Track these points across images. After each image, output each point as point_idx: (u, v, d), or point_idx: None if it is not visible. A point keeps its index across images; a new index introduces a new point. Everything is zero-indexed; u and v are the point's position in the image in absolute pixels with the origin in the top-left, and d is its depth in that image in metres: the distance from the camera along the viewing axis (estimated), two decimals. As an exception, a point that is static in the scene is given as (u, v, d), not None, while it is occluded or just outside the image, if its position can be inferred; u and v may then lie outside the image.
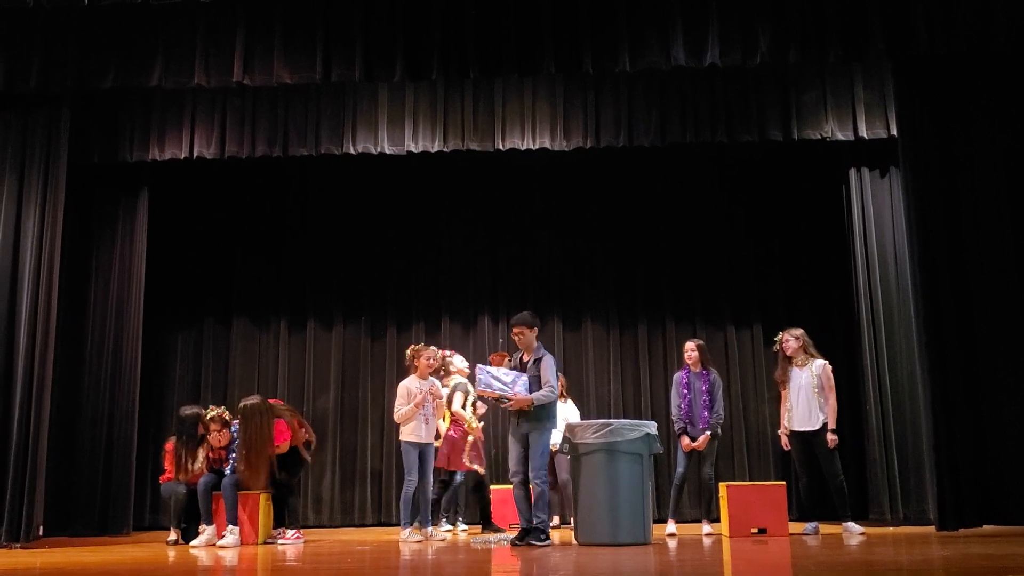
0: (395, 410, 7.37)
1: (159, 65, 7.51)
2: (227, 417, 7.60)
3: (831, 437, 7.23)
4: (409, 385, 7.36)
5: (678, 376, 7.89)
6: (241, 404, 7.47)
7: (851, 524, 7.15)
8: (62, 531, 8.16)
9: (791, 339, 7.46)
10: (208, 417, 7.56)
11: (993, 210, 7.32)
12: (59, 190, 7.83)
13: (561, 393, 8.70)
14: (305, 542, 7.16)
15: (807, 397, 7.31)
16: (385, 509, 9.72)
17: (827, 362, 7.49)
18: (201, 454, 7.60)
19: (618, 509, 6.31)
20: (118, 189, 9.02)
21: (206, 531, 7.21)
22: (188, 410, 7.78)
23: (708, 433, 7.54)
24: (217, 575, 4.72)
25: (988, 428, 7.03)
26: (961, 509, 6.91)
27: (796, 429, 7.34)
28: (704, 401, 7.61)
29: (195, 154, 8.60)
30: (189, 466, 7.55)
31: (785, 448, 7.62)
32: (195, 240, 9.96)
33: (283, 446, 7.35)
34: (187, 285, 9.89)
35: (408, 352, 7.80)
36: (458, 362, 8.44)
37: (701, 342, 8.00)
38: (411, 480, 7.17)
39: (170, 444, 7.80)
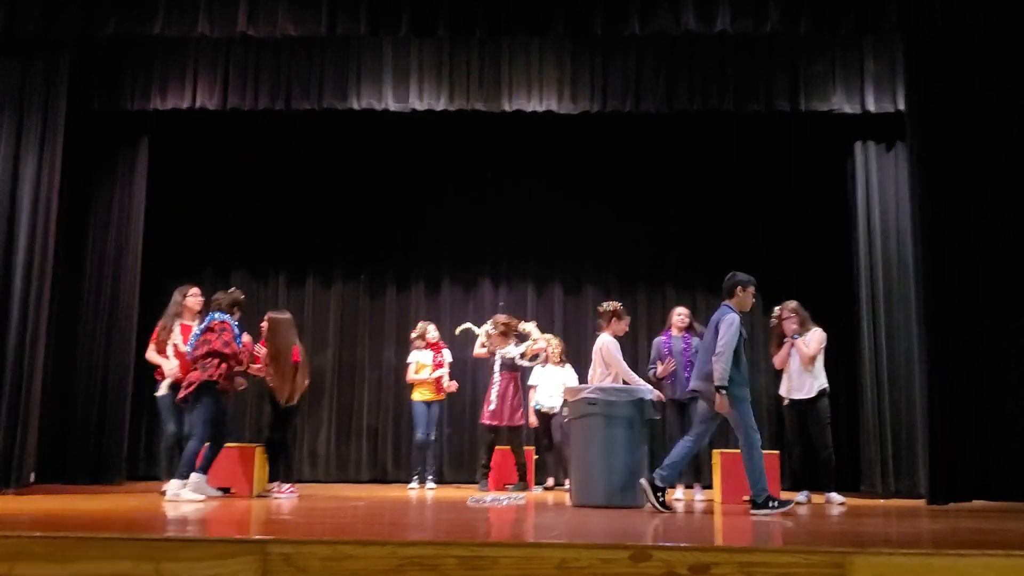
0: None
1: (162, 13, 7.43)
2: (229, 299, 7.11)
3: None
4: None
5: (659, 340, 7.95)
6: (271, 315, 7.50)
7: (833, 495, 7.21)
8: (55, 479, 8.19)
9: (790, 320, 7.43)
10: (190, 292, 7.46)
11: (1002, 189, 7.26)
12: (57, 136, 7.77)
13: (559, 357, 8.79)
14: (299, 496, 7.17)
15: (801, 367, 7.32)
16: (380, 466, 9.78)
17: (822, 331, 7.48)
18: (177, 330, 7.38)
19: (613, 472, 6.36)
20: (118, 138, 8.96)
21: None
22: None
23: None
24: (209, 526, 4.73)
25: (983, 405, 7.04)
26: (952, 483, 6.95)
27: (791, 398, 7.37)
28: (686, 365, 7.64)
29: (197, 104, 8.54)
30: (165, 338, 7.37)
31: None
32: (195, 192, 9.92)
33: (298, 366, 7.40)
34: (186, 236, 9.85)
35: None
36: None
37: (689, 311, 8.11)
38: None
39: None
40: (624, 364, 7.03)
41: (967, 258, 7.19)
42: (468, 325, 8.73)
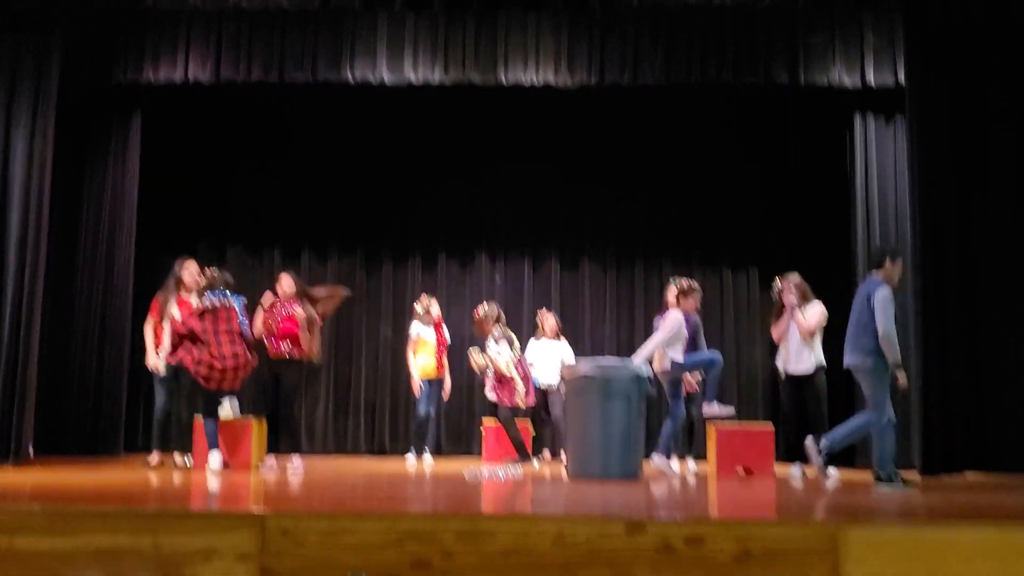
0: None
1: (154, -16, 7.36)
2: (216, 279, 7.15)
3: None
4: None
5: (658, 319, 7.93)
6: (296, 278, 7.51)
7: (828, 468, 7.22)
8: (53, 452, 8.21)
9: (791, 293, 7.40)
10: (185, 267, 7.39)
11: (1002, 165, 7.24)
12: (49, 110, 7.73)
13: (555, 332, 8.80)
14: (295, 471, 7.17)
15: (800, 341, 7.32)
16: (378, 439, 9.83)
17: (821, 304, 7.47)
18: (174, 302, 7.32)
19: (609, 446, 6.39)
20: (111, 112, 8.92)
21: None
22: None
23: (695, 373, 7.62)
24: (207, 500, 4.75)
25: (976, 378, 7.07)
26: (945, 456, 6.99)
27: (789, 372, 7.37)
28: (688, 340, 7.65)
29: (190, 78, 8.47)
30: (167, 310, 7.31)
31: None
32: (190, 166, 9.88)
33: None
34: (181, 211, 9.83)
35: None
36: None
37: None
38: None
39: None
40: (659, 339, 7.12)
41: (965, 234, 7.20)
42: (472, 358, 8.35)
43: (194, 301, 7.17)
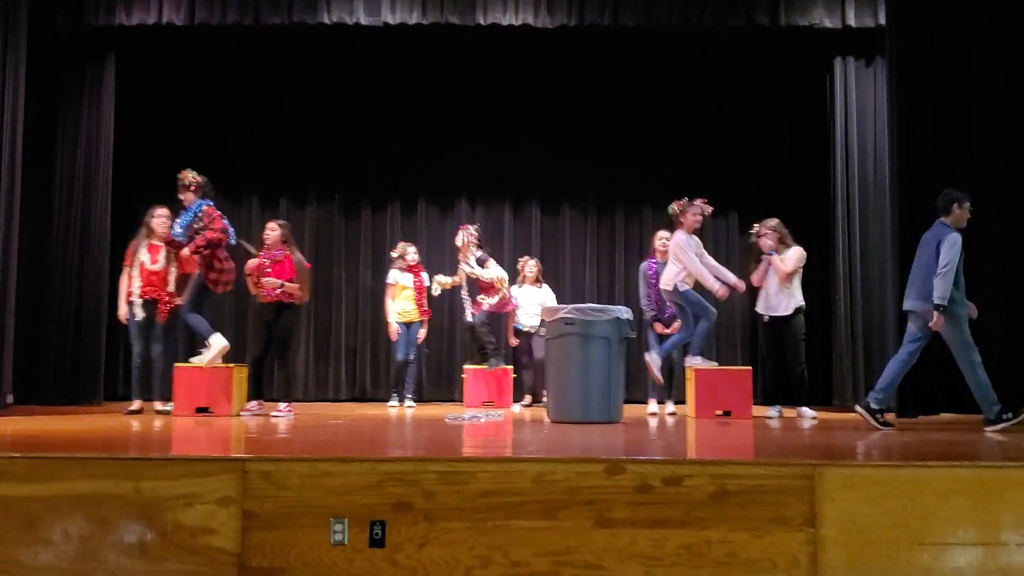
0: None
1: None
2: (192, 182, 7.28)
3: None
4: None
5: (644, 266, 7.99)
6: (285, 223, 7.60)
7: (805, 409, 7.33)
8: (33, 401, 8.20)
9: (767, 236, 7.42)
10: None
11: (982, 109, 7.22)
12: (20, 52, 7.59)
13: (536, 278, 8.83)
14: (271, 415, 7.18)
15: (779, 285, 7.37)
16: (359, 385, 9.86)
17: (801, 248, 7.50)
18: (144, 249, 7.28)
19: (589, 390, 6.43)
20: (84, 55, 8.75)
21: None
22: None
23: (680, 321, 7.64)
24: (189, 445, 4.77)
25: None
26: (921, 397, 7.08)
27: (768, 315, 7.42)
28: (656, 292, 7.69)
29: (164, 20, 8.31)
30: (137, 257, 7.28)
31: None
32: (166, 111, 9.71)
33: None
34: (158, 157, 9.64)
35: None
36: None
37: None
38: None
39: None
40: (695, 260, 7.17)
41: (944, 177, 7.19)
42: (436, 282, 8.68)
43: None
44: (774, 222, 7.53)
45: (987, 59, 7.24)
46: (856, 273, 8.67)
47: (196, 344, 7.60)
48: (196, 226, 7.16)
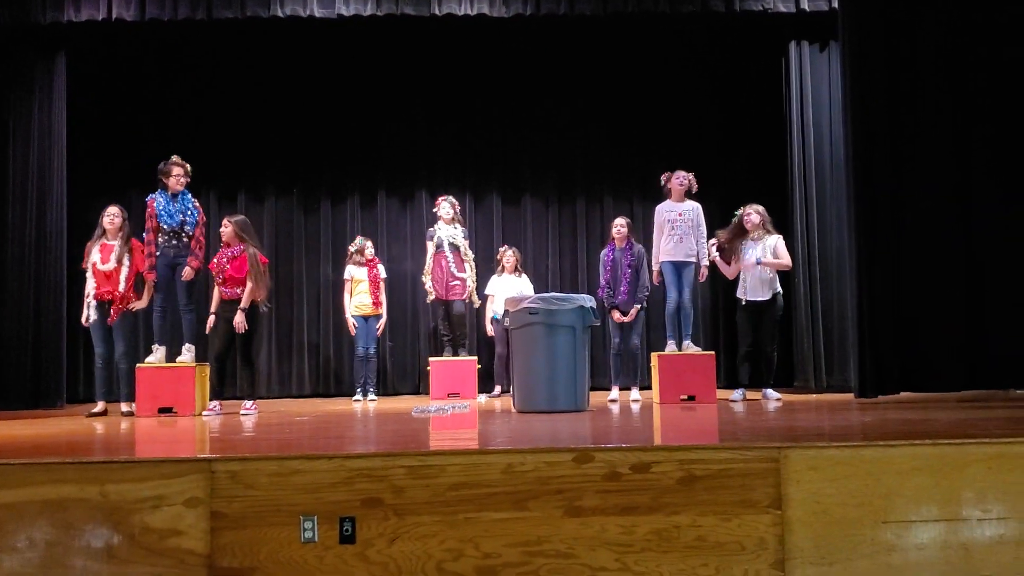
0: None
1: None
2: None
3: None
4: None
5: (604, 253, 8.02)
6: (241, 218, 7.37)
7: (769, 391, 7.42)
8: (-8, 407, 8.06)
9: (754, 214, 7.49)
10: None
11: (934, 90, 7.32)
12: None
13: (515, 267, 8.88)
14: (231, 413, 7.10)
15: (759, 270, 7.41)
16: (323, 380, 9.81)
17: (781, 236, 7.59)
18: (96, 249, 7.13)
19: (555, 378, 6.44)
20: (33, 53, 8.62)
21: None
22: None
23: (638, 306, 7.71)
24: (154, 447, 4.72)
25: (909, 301, 7.24)
26: (880, 377, 7.19)
27: (749, 299, 7.46)
28: (627, 275, 7.73)
29: (114, 16, 8.20)
30: (90, 257, 7.16)
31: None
32: (119, 109, 9.59)
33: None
34: (113, 153, 9.55)
35: None
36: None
37: (629, 220, 8.10)
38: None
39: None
40: (657, 232, 7.59)
41: (898, 159, 7.30)
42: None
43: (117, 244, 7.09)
44: (761, 208, 7.61)
45: (936, 39, 7.34)
46: (814, 254, 8.79)
47: (178, 342, 7.45)
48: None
